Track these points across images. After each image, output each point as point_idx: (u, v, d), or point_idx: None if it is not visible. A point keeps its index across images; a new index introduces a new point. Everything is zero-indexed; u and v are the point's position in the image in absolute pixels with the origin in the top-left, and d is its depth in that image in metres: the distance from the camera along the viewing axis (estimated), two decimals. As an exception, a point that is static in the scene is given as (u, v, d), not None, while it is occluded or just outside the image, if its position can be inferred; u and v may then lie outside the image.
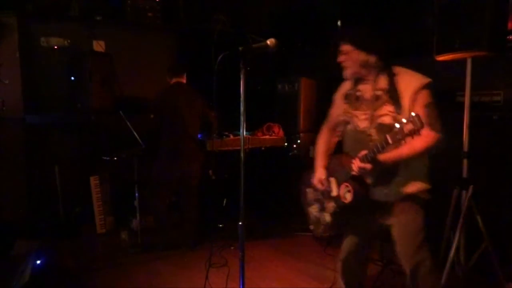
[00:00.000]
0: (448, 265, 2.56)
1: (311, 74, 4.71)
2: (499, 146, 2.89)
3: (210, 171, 3.86)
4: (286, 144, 4.49)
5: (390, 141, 1.68)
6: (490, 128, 2.94)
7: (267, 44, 1.76)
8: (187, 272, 3.25)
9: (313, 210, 2.20)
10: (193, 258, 3.49)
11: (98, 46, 4.40)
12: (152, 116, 3.78)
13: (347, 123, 2.07)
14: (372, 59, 1.93)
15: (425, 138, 1.79)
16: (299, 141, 4.57)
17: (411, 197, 1.94)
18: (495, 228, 2.67)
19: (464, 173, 2.70)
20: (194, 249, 3.67)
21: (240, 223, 1.81)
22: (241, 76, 1.72)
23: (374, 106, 1.94)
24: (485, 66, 2.77)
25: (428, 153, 1.91)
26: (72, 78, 4.25)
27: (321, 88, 4.73)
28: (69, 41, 4.26)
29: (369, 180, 1.95)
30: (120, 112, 3.76)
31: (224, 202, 4.13)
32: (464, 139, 2.66)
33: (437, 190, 2.04)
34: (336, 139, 2.29)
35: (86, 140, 4.36)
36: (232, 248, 3.62)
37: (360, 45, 1.93)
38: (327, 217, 2.09)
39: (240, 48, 1.71)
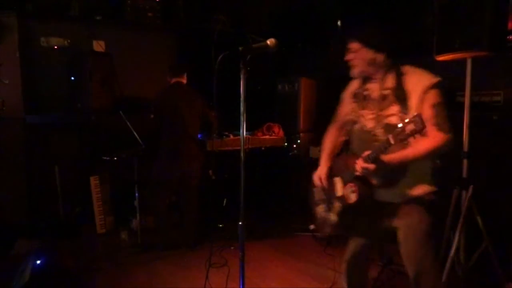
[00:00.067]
0: (448, 265, 2.56)
1: (311, 74, 4.71)
2: (499, 146, 2.90)
3: (210, 171, 3.86)
4: (286, 144, 4.49)
5: (392, 141, 1.65)
6: (490, 128, 2.95)
7: (267, 44, 1.76)
8: (187, 272, 3.25)
9: (320, 210, 2.18)
10: (193, 258, 3.49)
11: (98, 46, 4.40)
12: (152, 116, 3.78)
13: (354, 122, 2.05)
14: (380, 57, 1.91)
15: (432, 139, 1.77)
16: (299, 141, 4.58)
17: (417, 200, 1.91)
18: (495, 228, 2.67)
19: (464, 173, 2.70)
20: (194, 249, 3.67)
21: (240, 223, 1.81)
22: (241, 76, 1.72)
23: (381, 106, 1.92)
24: (485, 66, 2.77)
25: (436, 154, 1.87)
26: (72, 78, 4.25)
27: (321, 88, 4.74)
28: (69, 41, 4.27)
29: (374, 181, 1.92)
30: (120, 112, 3.76)
31: (224, 202, 4.13)
32: (464, 139, 2.66)
33: (437, 190, 2.02)
34: (343, 138, 2.26)
35: (86, 140, 4.36)
36: (232, 248, 3.62)
37: (368, 43, 1.91)
38: (333, 217, 2.07)
39: (240, 48, 1.71)
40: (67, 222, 4.12)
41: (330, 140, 2.26)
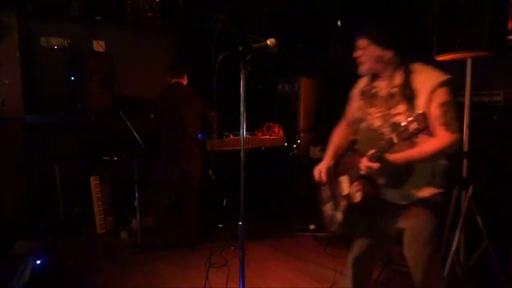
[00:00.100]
0: (448, 265, 2.56)
1: (311, 74, 4.71)
2: (499, 146, 2.90)
3: (210, 171, 3.85)
4: (286, 144, 4.49)
5: (395, 140, 1.63)
6: (490, 128, 2.95)
7: (267, 44, 1.76)
8: (187, 272, 3.25)
9: (328, 208, 2.16)
10: (193, 258, 3.49)
11: (98, 46, 4.40)
12: (152, 116, 3.78)
13: (361, 120, 2.01)
14: (388, 54, 1.87)
15: (440, 139, 1.74)
16: (299, 141, 4.58)
17: (424, 202, 1.87)
18: (495, 228, 2.67)
19: (464, 173, 2.70)
20: (194, 249, 3.67)
21: (240, 223, 1.81)
22: (241, 76, 1.72)
23: (389, 104, 1.89)
24: (485, 66, 2.77)
25: (443, 154, 1.83)
26: (72, 78, 4.25)
27: (321, 88, 4.74)
28: (69, 41, 4.26)
29: (381, 181, 1.90)
30: (120, 112, 3.76)
31: (224, 202, 4.13)
32: (464, 139, 2.66)
33: (443, 191, 1.98)
34: (352, 137, 2.23)
35: (86, 140, 4.36)
36: (232, 248, 3.62)
37: (377, 40, 1.87)
38: (339, 216, 2.05)
39: (240, 48, 1.70)
40: (67, 222, 4.12)
41: (337, 137, 2.24)
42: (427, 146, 1.75)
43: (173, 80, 3.77)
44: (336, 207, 2.09)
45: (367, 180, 1.88)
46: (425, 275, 1.90)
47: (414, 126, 1.55)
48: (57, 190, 4.10)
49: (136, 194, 3.68)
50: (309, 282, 3.07)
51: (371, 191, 1.89)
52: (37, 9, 4.08)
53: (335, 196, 2.09)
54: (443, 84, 1.78)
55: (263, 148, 4.31)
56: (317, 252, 3.62)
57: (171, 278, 3.14)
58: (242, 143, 1.80)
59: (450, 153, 1.81)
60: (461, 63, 2.68)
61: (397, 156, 1.75)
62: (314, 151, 4.48)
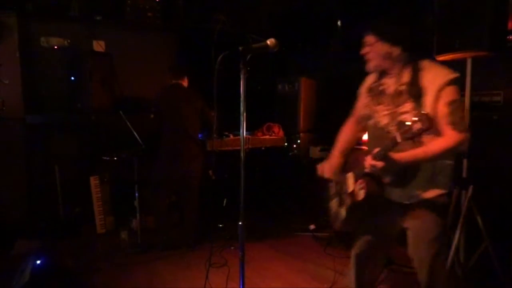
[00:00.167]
0: (448, 265, 2.56)
1: (311, 74, 4.71)
2: (499, 146, 2.90)
3: (210, 171, 3.86)
4: (286, 144, 4.49)
5: (398, 139, 1.61)
6: (490, 128, 2.95)
7: (267, 44, 1.76)
8: (187, 272, 3.25)
9: (333, 204, 2.15)
10: (193, 258, 3.49)
11: (98, 46, 4.40)
12: (152, 116, 3.78)
13: (369, 117, 1.99)
14: (396, 51, 1.84)
15: (446, 138, 1.71)
16: (299, 141, 4.58)
17: (429, 202, 1.85)
18: (495, 228, 2.67)
19: (464, 173, 2.70)
20: (194, 249, 3.67)
21: (240, 223, 1.81)
22: (241, 76, 1.72)
23: (396, 102, 1.85)
24: (485, 66, 2.77)
25: (450, 154, 1.81)
26: (72, 78, 4.25)
27: (321, 88, 4.74)
28: (69, 41, 4.26)
29: (386, 179, 1.88)
30: (120, 112, 3.76)
31: (224, 202, 4.13)
32: (464, 139, 2.66)
33: (448, 192, 1.96)
34: (360, 134, 2.22)
35: (86, 140, 4.36)
36: (232, 248, 3.62)
37: (384, 36, 1.84)
38: (344, 213, 2.03)
39: (240, 48, 1.70)
40: (67, 222, 4.12)
41: (344, 134, 2.21)
42: (433, 145, 1.73)
43: (173, 81, 3.78)
44: (341, 204, 2.07)
45: (372, 178, 1.86)
46: (430, 275, 1.89)
47: (417, 126, 1.53)
48: (57, 190, 4.10)
49: (136, 194, 3.68)
50: (309, 282, 3.07)
51: (375, 189, 1.87)
52: (37, 9, 4.08)
53: (340, 192, 2.08)
54: (451, 82, 1.74)
55: (263, 148, 4.31)
56: (317, 252, 3.62)
57: (171, 278, 3.14)
58: (242, 143, 1.80)
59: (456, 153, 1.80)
60: (461, 63, 2.68)
61: (402, 155, 1.73)
62: (314, 151, 4.48)
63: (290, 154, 4.61)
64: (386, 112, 1.89)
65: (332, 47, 4.65)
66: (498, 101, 2.95)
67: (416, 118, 1.55)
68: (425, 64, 1.84)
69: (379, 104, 1.94)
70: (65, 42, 4.25)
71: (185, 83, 3.80)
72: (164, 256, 3.54)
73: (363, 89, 2.10)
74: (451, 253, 2.59)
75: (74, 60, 4.25)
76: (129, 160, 3.68)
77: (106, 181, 4.27)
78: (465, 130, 1.72)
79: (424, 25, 3.38)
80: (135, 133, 3.68)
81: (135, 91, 4.45)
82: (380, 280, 2.92)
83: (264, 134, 4.34)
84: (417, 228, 1.90)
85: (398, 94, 1.85)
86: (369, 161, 1.76)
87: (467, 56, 2.64)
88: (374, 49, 1.87)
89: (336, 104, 4.47)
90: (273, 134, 4.37)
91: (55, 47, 4.22)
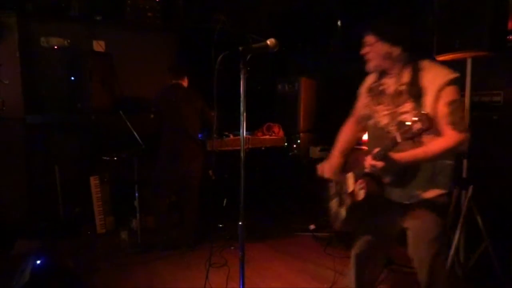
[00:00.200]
0: (448, 265, 2.56)
1: (311, 74, 4.71)
2: (499, 146, 2.90)
3: (210, 171, 3.86)
4: (286, 144, 4.49)
5: (398, 139, 1.61)
6: (490, 128, 2.95)
7: (267, 44, 1.76)
8: (187, 272, 3.25)
9: (333, 204, 2.15)
10: (193, 258, 3.49)
11: (98, 46, 4.40)
12: (152, 116, 3.78)
13: (369, 117, 1.98)
14: (396, 51, 1.83)
15: (446, 138, 1.71)
16: (299, 141, 4.58)
17: (429, 202, 1.84)
18: (495, 228, 2.67)
19: (464, 173, 2.70)
20: (194, 249, 3.67)
21: (240, 223, 1.81)
22: (241, 76, 1.72)
23: (396, 102, 1.85)
24: (485, 66, 2.77)
25: (450, 154, 1.80)
26: (72, 78, 4.25)
27: (321, 88, 4.74)
28: (69, 41, 4.26)
29: (386, 179, 1.88)
30: (120, 112, 3.76)
31: (224, 202, 4.13)
32: (464, 139, 2.66)
33: (448, 192, 1.96)
34: (360, 134, 2.21)
35: (86, 140, 4.36)
36: (232, 248, 3.62)
37: (384, 36, 1.83)
38: (344, 213, 2.03)
39: (240, 48, 1.70)
40: (67, 222, 4.12)
41: (344, 134, 2.20)
42: (433, 145, 1.73)
43: (173, 81, 3.78)
44: (341, 204, 2.07)
45: (372, 178, 1.86)
46: (430, 275, 1.89)
47: (417, 126, 1.53)
48: (57, 190, 4.10)
49: (136, 194, 3.68)
50: (309, 282, 3.07)
51: (375, 189, 1.87)
52: (37, 9, 4.08)
53: (340, 192, 2.07)
54: (451, 82, 1.74)
55: (263, 148, 4.31)
56: (317, 252, 3.62)
57: (171, 278, 3.14)
58: (242, 143, 1.80)
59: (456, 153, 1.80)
60: (461, 63, 2.68)
61: (402, 155, 1.73)
62: (314, 151, 4.48)
63: (290, 154, 4.61)
64: (386, 112, 1.89)
65: (332, 47, 4.65)
66: (498, 101, 2.95)
67: (416, 118, 1.54)
68: (425, 64, 1.84)
69: (379, 104, 1.93)
70: (65, 42, 4.25)
71: (185, 83, 3.80)
72: (164, 256, 3.54)
73: (363, 89, 2.10)
74: (451, 253, 2.59)
75: (74, 60, 4.25)
76: (129, 160, 3.68)
77: (106, 181, 4.27)
78: (465, 130, 1.72)
79: (424, 25, 3.38)
80: (135, 133, 3.68)
81: (135, 91, 4.45)
82: (380, 280, 2.92)
83: (264, 134, 4.34)
84: (417, 228, 1.90)
85: (398, 94, 1.85)
86: (369, 161, 1.76)
87: (467, 56, 2.64)
88: (374, 49, 1.87)
89: (336, 104, 4.47)
90: (273, 134, 4.37)
91: (55, 47, 4.22)
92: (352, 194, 1.95)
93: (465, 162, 2.69)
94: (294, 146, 4.60)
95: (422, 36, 3.11)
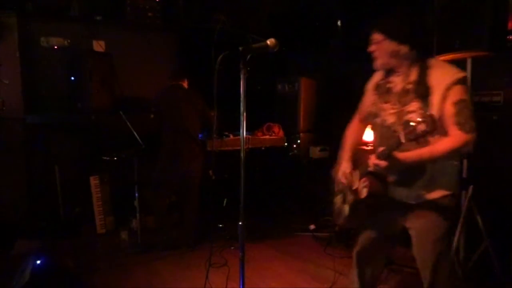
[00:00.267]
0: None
1: (311, 74, 4.71)
2: (499, 146, 2.90)
3: (210, 171, 3.86)
4: (286, 144, 4.49)
5: (402, 140, 1.59)
6: (490, 128, 2.95)
7: (267, 44, 1.76)
8: (187, 272, 3.25)
9: (337, 200, 2.13)
10: (193, 258, 3.49)
11: (98, 46, 4.40)
12: (152, 116, 3.78)
13: (375, 116, 1.95)
14: (404, 49, 1.80)
15: (452, 139, 1.69)
16: (299, 141, 4.58)
17: (433, 203, 1.82)
18: (495, 228, 2.67)
19: (464, 173, 2.70)
20: (194, 249, 3.67)
21: (240, 223, 1.81)
22: (241, 76, 1.72)
23: (403, 100, 1.82)
24: (485, 66, 2.77)
25: (456, 154, 1.78)
26: (72, 78, 4.25)
27: (321, 88, 4.74)
28: (69, 41, 4.26)
29: (391, 179, 1.86)
30: (120, 112, 3.76)
31: (224, 202, 4.13)
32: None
33: (454, 193, 1.94)
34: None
35: (86, 140, 4.35)
36: (232, 248, 3.62)
37: (391, 34, 1.80)
38: (347, 210, 2.02)
39: (240, 48, 1.70)
40: (67, 222, 4.12)
41: (351, 133, 2.17)
42: (439, 145, 1.71)
43: (174, 82, 3.79)
44: (344, 200, 2.06)
45: (376, 177, 1.84)
46: (434, 275, 1.87)
47: (422, 127, 1.52)
48: (57, 190, 4.09)
49: (136, 194, 3.68)
50: (309, 282, 3.07)
51: (379, 188, 1.85)
52: (37, 9, 4.08)
53: (345, 189, 2.06)
54: (459, 81, 1.72)
55: (263, 148, 4.31)
56: (317, 252, 3.61)
57: (171, 278, 3.14)
58: (242, 143, 1.80)
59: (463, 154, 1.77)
60: (461, 63, 2.67)
61: (407, 155, 1.71)
62: (314, 151, 4.48)
63: (290, 154, 4.61)
64: (392, 111, 1.86)
65: (332, 47, 4.65)
66: (498, 101, 2.95)
67: (420, 119, 1.53)
68: (433, 62, 1.82)
69: (385, 102, 1.91)
70: (65, 42, 4.25)
71: (185, 84, 3.81)
72: (164, 256, 3.54)
73: (370, 85, 2.06)
74: (451, 253, 2.58)
75: (74, 60, 4.25)
76: (129, 160, 3.68)
77: (106, 181, 4.27)
78: (472, 130, 1.69)
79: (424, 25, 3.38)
80: (135, 133, 3.68)
81: (135, 91, 4.44)
82: (380, 280, 2.92)
83: (264, 134, 4.34)
84: (421, 228, 1.88)
85: (405, 92, 1.83)
86: (373, 160, 1.74)
87: (467, 56, 2.64)
88: (381, 47, 1.84)
89: (336, 104, 4.49)
90: (273, 134, 4.37)
91: (55, 47, 4.22)
92: (356, 191, 1.94)
93: (465, 162, 2.69)
94: (294, 146, 4.60)
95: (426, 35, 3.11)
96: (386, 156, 1.69)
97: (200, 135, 3.85)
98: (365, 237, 2.10)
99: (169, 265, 3.38)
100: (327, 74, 4.69)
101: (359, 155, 2.03)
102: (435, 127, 1.53)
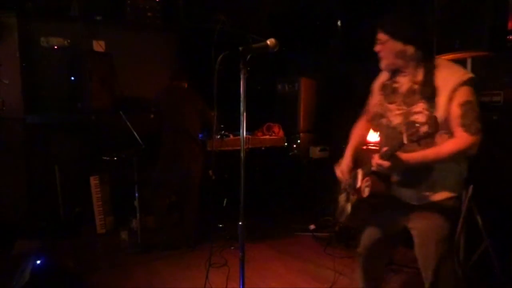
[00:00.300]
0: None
1: (311, 74, 4.71)
2: (499, 146, 2.90)
3: (210, 171, 3.86)
4: (286, 144, 4.49)
5: (405, 140, 1.58)
6: (490, 128, 2.94)
7: (267, 44, 1.76)
8: (187, 272, 3.25)
9: (341, 199, 2.13)
10: (193, 258, 3.49)
11: (98, 46, 4.40)
12: (152, 116, 3.78)
13: (381, 116, 1.93)
14: (410, 49, 1.78)
15: (457, 140, 1.68)
16: (299, 141, 4.58)
17: (437, 205, 1.81)
18: (495, 228, 2.67)
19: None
20: (194, 249, 3.67)
21: (240, 223, 1.81)
22: (241, 76, 1.72)
23: (409, 101, 1.80)
24: (485, 66, 2.77)
25: (461, 156, 1.76)
26: (72, 78, 4.25)
27: (321, 88, 4.74)
28: (69, 41, 4.27)
29: (395, 179, 1.86)
30: (120, 112, 3.76)
31: (224, 202, 4.13)
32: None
33: (458, 195, 1.94)
34: (373, 131, 2.18)
35: (86, 140, 4.36)
36: (232, 248, 3.62)
37: (396, 35, 1.77)
38: (349, 208, 2.01)
39: (240, 48, 1.70)
40: (67, 222, 4.12)
41: (357, 132, 2.16)
42: (444, 147, 1.70)
43: (174, 82, 3.79)
44: (347, 199, 2.06)
45: (379, 176, 1.83)
46: (436, 275, 1.86)
47: (424, 129, 1.50)
48: (57, 190, 4.10)
49: (136, 194, 3.68)
50: (309, 282, 3.07)
51: (381, 188, 1.84)
52: (37, 9, 4.08)
53: (349, 187, 2.06)
54: (465, 83, 1.70)
55: (263, 148, 4.31)
56: (317, 252, 3.61)
57: (171, 278, 3.14)
58: (242, 143, 1.80)
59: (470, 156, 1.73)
60: (461, 63, 2.67)
61: (411, 156, 1.69)
62: (314, 151, 4.48)
63: (290, 154, 4.61)
64: (398, 112, 1.85)
65: (332, 47, 4.65)
66: (498, 101, 2.94)
67: (424, 120, 1.52)
68: (440, 62, 1.80)
69: (391, 102, 1.89)
70: (65, 42, 4.25)
71: (185, 84, 3.81)
72: (164, 256, 3.54)
73: (376, 86, 2.05)
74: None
75: (74, 60, 4.26)
76: (129, 160, 3.68)
77: (106, 181, 4.27)
78: (477, 132, 1.67)
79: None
80: (135, 133, 3.68)
81: (135, 91, 4.45)
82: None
83: (264, 134, 4.34)
84: (424, 229, 1.87)
85: (411, 93, 1.81)
86: (375, 160, 1.73)
87: (467, 56, 2.63)
88: (386, 48, 1.82)
89: (336, 104, 4.49)
90: (273, 134, 4.37)
91: (55, 47, 4.22)
92: (359, 190, 1.93)
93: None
94: (294, 146, 4.59)
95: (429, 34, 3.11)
96: (389, 156, 1.68)
97: (200, 135, 3.85)
98: (367, 236, 2.10)
99: (169, 265, 3.38)
100: (327, 74, 4.69)
101: (363, 155, 2.02)
102: (438, 128, 1.52)
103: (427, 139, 1.57)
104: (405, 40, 1.78)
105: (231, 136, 4.07)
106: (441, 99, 1.70)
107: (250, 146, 4.02)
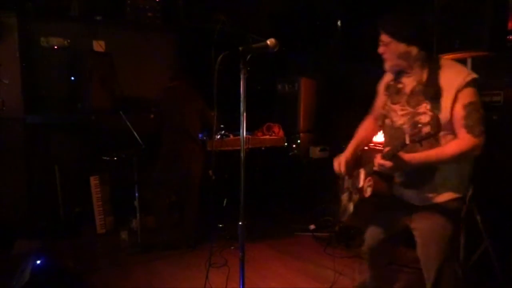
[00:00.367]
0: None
1: (311, 74, 4.71)
2: (499, 146, 2.90)
3: (210, 171, 3.86)
4: (286, 144, 4.49)
5: (407, 141, 1.57)
6: (490, 128, 2.94)
7: (267, 44, 1.76)
8: (187, 272, 3.25)
9: (344, 198, 2.14)
10: (193, 258, 3.49)
11: (98, 46, 4.40)
12: (152, 116, 3.78)
13: (385, 117, 1.93)
14: (414, 50, 1.77)
15: (460, 142, 1.67)
16: (299, 141, 4.58)
17: (441, 207, 1.80)
18: (495, 228, 2.67)
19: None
20: (194, 249, 3.67)
21: (240, 223, 1.81)
22: (241, 76, 1.72)
23: (413, 102, 1.80)
24: (485, 66, 2.77)
25: (464, 158, 1.75)
26: (72, 78, 4.25)
27: (321, 88, 4.74)
28: (69, 41, 4.27)
29: (398, 179, 1.85)
30: (120, 112, 3.76)
31: (224, 202, 4.13)
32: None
33: (462, 196, 1.92)
34: (379, 131, 2.17)
35: (86, 140, 4.36)
36: (232, 248, 3.62)
37: (398, 36, 1.77)
38: (351, 208, 2.02)
39: (240, 48, 1.70)
40: (67, 222, 4.12)
41: (362, 130, 2.16)
42: (447, 148, 1.69)
43: (174, 82, 3.79)
44: (350, 199, 2.06)
45: (381, 176, 1.83)
46: (438, 277, 1.85)
47: (426, 129, 1.50)
48: (57, 190, 4.10)
49: (136, 194, 3.68)
50: (309, 282, 3.07)
51: (383, 188, 1.84)
52: (37, 9, 4.08)
53: (351, 187, 2.06)
54: (470, 84, 1.69)
55: (263, 148, 4.30)
56: (317, 252, 3.61)
57: (171, 278, 3.14)
58: (242, 143, 1.80)
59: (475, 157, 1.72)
60: (461, 63, 2.67)
61: (413, 156, 1.68)
62: (314, 151, 4.48)
63: (290, 154, 4.61)
64: (402, 112, 1.85)
65: (332, 47, 4.65)
66: (498, 101, 2.94)
67: (427, 121, 1.52)
68: (444, 62, 1.79)
69: (395, 103, 1.89)
70: (65, 42, 4.25)
71: (185, 84, 3.81)
72: (164, 256, 3.54)
73: (381, 86, 2.05)
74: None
75: (74, 60, 4.26)
76: (129, 160, 3.68)
77: (106, 181, 4.27)
78: (480, 134, 1.66)
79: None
80: (135, 133, 3.68)
81: (135, 91, 4.44)
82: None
83: (264, 134, 4.34)
84: (427, 229, 1.86)
85: (415, 94, 1.81)
86: (378, 160, 1.73)
87: (467, 56, 2.64)
88: (389, 49, 1.81)
89: (336, 104, 4.49)
90: (273, 134, 4.37)
91: (55, 47, 4.22)
92: (361, 190, 1.93)
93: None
94: (294, 146, 4.59)
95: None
96: (391, 156, 1.68)
97: (200, 135, 3.85)
98: (371, 236, 2.10)
99: (169, 265, 3.38)
100: (327, 74, 4.69)
101: (366, 154, 2.02)
102: (440, 129, 1.51)
103: (430, 139, 1.56)
104: (408, 41, 1.77)
105: (231, 136, 4.07)
106: (445, 100, 1.70)
107: (250, 146, 4.02)
